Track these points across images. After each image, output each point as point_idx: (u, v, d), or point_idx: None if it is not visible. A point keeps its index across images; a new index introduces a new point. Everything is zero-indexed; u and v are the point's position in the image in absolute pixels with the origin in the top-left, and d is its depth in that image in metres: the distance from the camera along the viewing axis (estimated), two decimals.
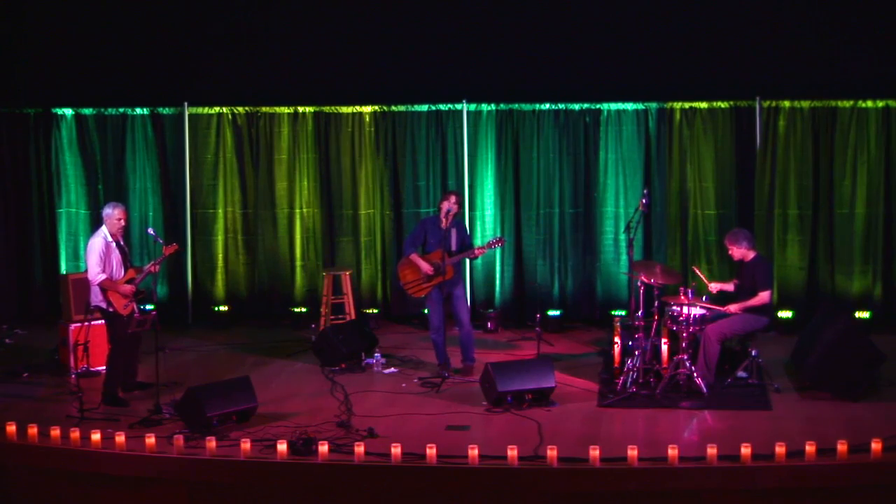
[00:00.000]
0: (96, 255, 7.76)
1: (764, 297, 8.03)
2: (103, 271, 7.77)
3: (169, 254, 8.15)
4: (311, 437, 6.80)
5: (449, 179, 10.27)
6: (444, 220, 8.43)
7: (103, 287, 7.78)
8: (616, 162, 10.08)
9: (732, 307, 8.09)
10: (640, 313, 8.14)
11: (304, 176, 10.46)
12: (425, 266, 8.41)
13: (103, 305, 7.84)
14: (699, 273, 8.49)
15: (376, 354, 8.96)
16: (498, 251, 10.23)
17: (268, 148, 10.44)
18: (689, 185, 9.97)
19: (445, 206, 8.42)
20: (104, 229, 7.90)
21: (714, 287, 8.33)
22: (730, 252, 8.34)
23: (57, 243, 10.67)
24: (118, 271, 7.89)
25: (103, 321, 8.08)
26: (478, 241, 9.91)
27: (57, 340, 8.95)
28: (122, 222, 7.90)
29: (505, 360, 8.12)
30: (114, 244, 7.91)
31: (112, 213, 7.88)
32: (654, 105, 9.96)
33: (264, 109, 10.40)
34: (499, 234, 10.12)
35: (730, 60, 9.70)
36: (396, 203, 10.41)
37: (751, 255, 8.26)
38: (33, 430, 7.03)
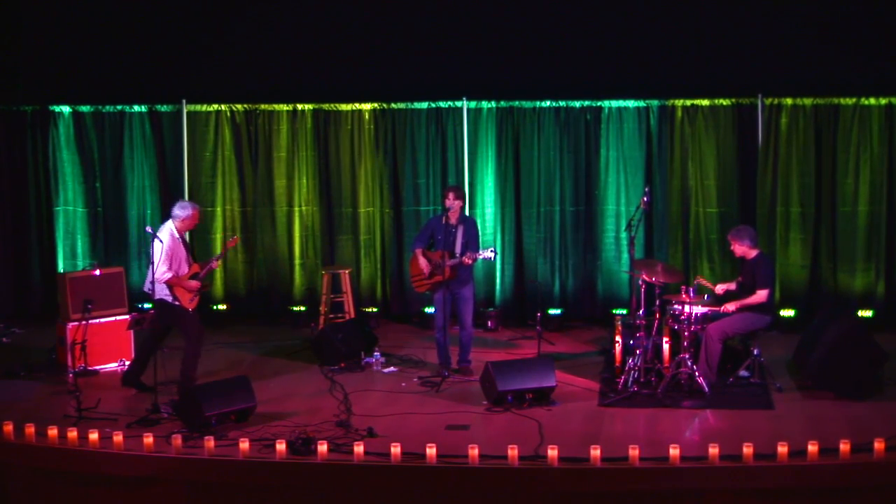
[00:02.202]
0: (164, 253, 7.80)
1: (762, 295, 8.00)
2: (170, 269, 7.82)
3: (231, 247, 8.38)
4: (310, 437, 6.77)
5: (449, 177, 10.23)
6: (446, 217, 8.38)
7: (169, 284, 7.85)
8: (617, 160, 10.03)
9: (729, 305, 8.06)
10: (641, 312, 8.11)
11: (304, 174, 10.41)
12: (423, 263, 8.39)
13: (168, 300, 7.88)
14: (704, 283, 8.42)
15: (376, 353, 8.92)
16: (498, 250, 10.17)
17: (266, 145, 10.40)
18: (691, 182, 9.93)
19: (447, 203, 8.38)
20: (171, 226, 7.95)
21: (720, 289, 8.30)
22: (731, 248, 8.31)
23: (54, 242, 10.62)
24: (184, 267, 7.96)
25: (155, 312, 7.98)
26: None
27: (54, 339, 8.91)
28: (197, 222, 8.14)
29: (505, 360, 8.08)
30: (180, 240, 7.98)
31: (192, 213, 7.99)
32: (655, 102, 9.92)
33: (263, 107, 10.35)
34: (498, 241, 10.08)
35: (732, 57, 9.66)
36: (396, 201, 10.36)
37: (753, 252, 8.22)
38: (30, 430, 7.01)
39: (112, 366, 8.84)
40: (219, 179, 10.46)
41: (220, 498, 6.68)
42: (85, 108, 10.50)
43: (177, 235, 7.95)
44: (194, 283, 7.94)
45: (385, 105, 10.27)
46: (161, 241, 7.80)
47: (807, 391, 7.87)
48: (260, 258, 10.53)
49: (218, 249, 10.53)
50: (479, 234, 8.72)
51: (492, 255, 8.30)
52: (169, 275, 7.83)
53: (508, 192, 10.21)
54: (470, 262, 8.30)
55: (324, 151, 10.40)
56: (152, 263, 7.79)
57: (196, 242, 10.53)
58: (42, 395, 8.14)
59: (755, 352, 8.05)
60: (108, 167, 10.57)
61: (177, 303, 7.88)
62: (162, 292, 7.89)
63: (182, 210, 8.00)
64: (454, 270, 8.35)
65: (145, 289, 8.13)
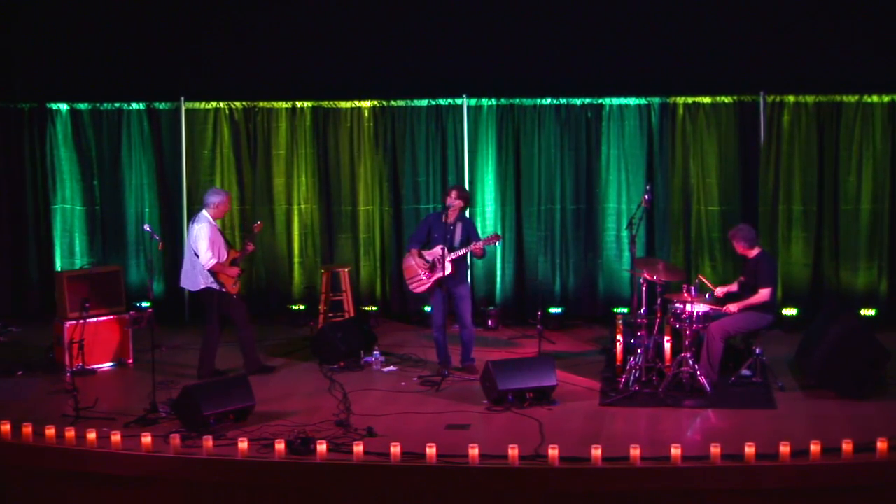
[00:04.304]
0: (206, 241, 8.06)
1: (764, 294, 7.96)
2: (214, 256, 8.08)
3: (257, 231, 8.89)
4: (310, 437, 6.75)
5: (449, 175, 10.19)
6: (445, 215, 8.34)
7: (214, 271, 8.11)
8: (618, 157, 9.99)
9: (732, 306, 8.02)
10: (642, 311, 8.08)
11: (303, 172, 10.37)
12: (422, 263, 8.36)
13: (215, 287, 8.14)
14: (705, 281, 8.40)
15: (375, 352, 8.88)
16: (498, 248, 10.13)
17: (265, 143, 10.36)
18: (693, 180, 9.89)
19: (447, 201, 8.35)
20: (207, 215, 8.21)
21: (720, 291, 8.27)
22: (734, 245, 8.29)
23: (52, 240, 10.58)
24: (223, 253, 8.23)
25: (205, 301, 8.28)
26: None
27: (52, 338, 8.87)
28: (229, 209, 8.48)
29: (506, 358, 8.04)
30: (218, 228, 8.26)
31: (224, 199, 8.28)
32: (656, 100, 9.87)
33: (262, 104, 10.31)
34: (497, 231, 10.04)
35: (733, 54, 9.62)
36: (396, 199, 10.32)
37: (753, 251, 8.19)
38: (28, 430, 6.99)
39: (110, 365, 8.80)
40: (217, 177, 10.42)
41: (218, 498, 6.64)
42: (83, 106, 10.45)
43: (213, 223, 8.20)
44: (235, 270, 8.25)
45: (385, 102, 10.22)
46: (199, 230, 8.06)
47: (809, 390, 7.83)
48: (259, 256, 10.48)
49: None
50: (478, 233, 8.69)
51: (498, 239, 8.37)
52: (214, 261, 8.08)
53: (509, 189, 10.16)
54: (479, 248, 8.24)
55: (323, 149, 10.35)
56: (196, 255, 8.06)
57: None
58: (39, 395, 8.10)
59: (757, 351, 8.00)
60: (105, 165, 10.52)
61: (223, 289, 8.13)
62: (207, 281, 8.13)
63: (215, 196, 8.29)
64: (455, 265, 8.30)
65: (182, 284, 8.40)
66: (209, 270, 8.09)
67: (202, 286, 8.18)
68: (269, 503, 6.60)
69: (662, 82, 9.81)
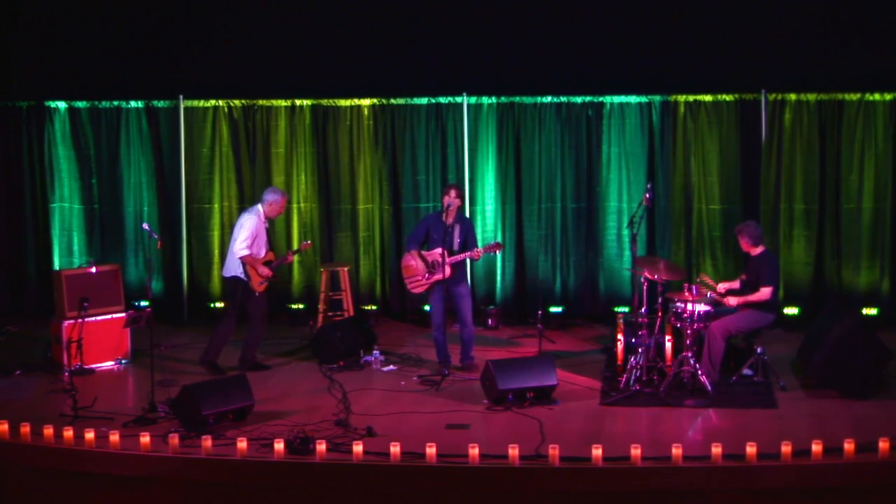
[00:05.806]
0: (248, 231, 8.31)
1: (765, 293, 7.94)
2: (249, 248, 8.29)
3: (303, 249, 9.30)
4: (309, 436, 6.73)
5: (449, 174, 10.16)
6: (445, 214, 8.32)
7: (245, 262, 8.33)
8: (619, 156, 9.96)
9: (731, 299, 8.00)
10: (643, 310, 8.06)
11: (302, 170, 10.34)
12: (421, 264, 8.33)
13: (242, 277, 8.35)
14: (707, 280, 8.37)
15: (375, 352, 8.86)
16: None
17: (265, 141, 10.33)
18: (694, 179, 9.86)
19: (446, 200, 8.34)
20: (260, 209, 8.45)
21: (722, 287, 8.25)
22: (739, 241, 8.27)
23: (50, 239, 10.56)
24: (262, 251, 8.44)
25: (229, 289, 8.52)
26: (478, 237, 9.78)
27: (50, 337, 8.84)
28: (283, 210, 8.70)
29: (506, 358, 8.02)
30: (265, 225, 8.45)
31: (279, 199, 8.48)
32: (657, 98, 9.84)
33: (261, 102, 10.28)
34: (499, 238, 10.02)
35: (735, 52, 9.60)
36: (395, 198, 10.30)
37: (757, 249, 8.17)
38: (26, 429, 6.97)
39: (108, 364, 8.78)
40: (216, 176, 10.39)
41: (217, 498, 6.63)
42: (81, 104, 10.42)
43: (263, 219, 8.43)
44: (267, 270, 8.39)
45: (384, 100, 10.19)
46: (246, 220, 8.27)
47: (811, 390, 7.82)
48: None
49: (215, 246, 10.48)
50: (476, 233, 8.68)
51: (500, 248, 8.34)
52: (247, 252, 8.29)
53: (509, 188, 10.14)
54: (479, 255, 8.27)
55: (322, 147, 10.32)
56: (234, 241, 8.31)
57: (193, 240, 10.48)
58: (38, 394, 8.07)
59: (759, 350, 7.98)
60: (104, 163, 10.49)
61: (249, 282, 8.34)
62: (237, 269, 8.35)
63: (271, 194, 8.50)
64: (454, 266, 8.29)
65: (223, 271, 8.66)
66: (240, 260, 8.29)
67: (232, 273, 8.38)
68: (268, 503, 6.58)
69: (663, 80, 9.78)
